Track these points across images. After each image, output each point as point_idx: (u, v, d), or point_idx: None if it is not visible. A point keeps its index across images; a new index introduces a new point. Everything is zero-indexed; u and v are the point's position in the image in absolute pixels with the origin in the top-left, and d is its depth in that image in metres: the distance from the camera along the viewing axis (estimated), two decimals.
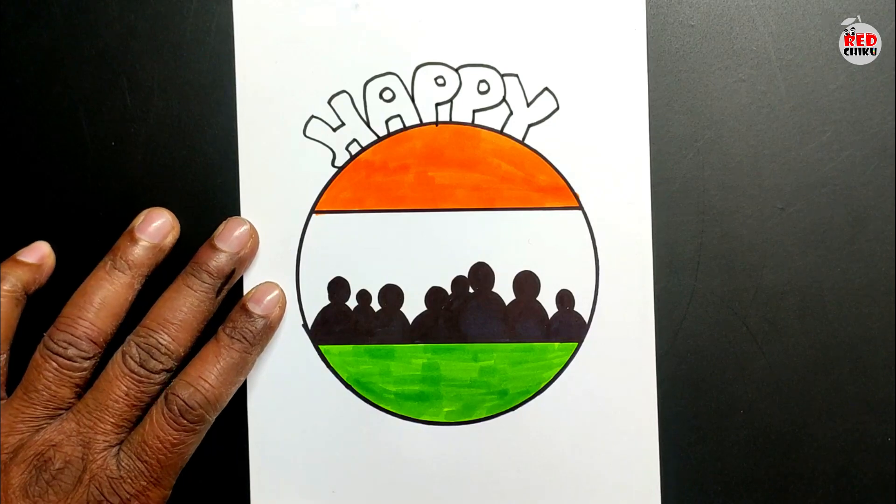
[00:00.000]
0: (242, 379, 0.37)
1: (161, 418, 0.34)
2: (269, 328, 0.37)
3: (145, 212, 0.37)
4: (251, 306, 0.36)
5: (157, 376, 0.35)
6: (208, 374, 0.35)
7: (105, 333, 0.35)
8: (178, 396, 0.35)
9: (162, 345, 0.35)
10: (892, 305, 0.38)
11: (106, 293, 0.35)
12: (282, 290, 0.38)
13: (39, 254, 0.37)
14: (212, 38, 0.38)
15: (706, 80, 0.38)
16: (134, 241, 0.36)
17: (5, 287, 0.36)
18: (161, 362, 0.35)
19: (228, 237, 0.36)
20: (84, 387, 0.36)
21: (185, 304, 0.35)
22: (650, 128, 0.38)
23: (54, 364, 0.35)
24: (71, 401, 0.35)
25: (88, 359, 0.35)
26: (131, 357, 0.35)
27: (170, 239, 0.37)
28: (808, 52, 0.38)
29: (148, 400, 0.35)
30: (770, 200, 0.38)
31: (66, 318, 0.35)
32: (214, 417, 0.36)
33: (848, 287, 0.38)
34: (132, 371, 0.35)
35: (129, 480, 0.34)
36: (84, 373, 0.35)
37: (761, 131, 0.38)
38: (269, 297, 0.37)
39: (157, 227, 0.37)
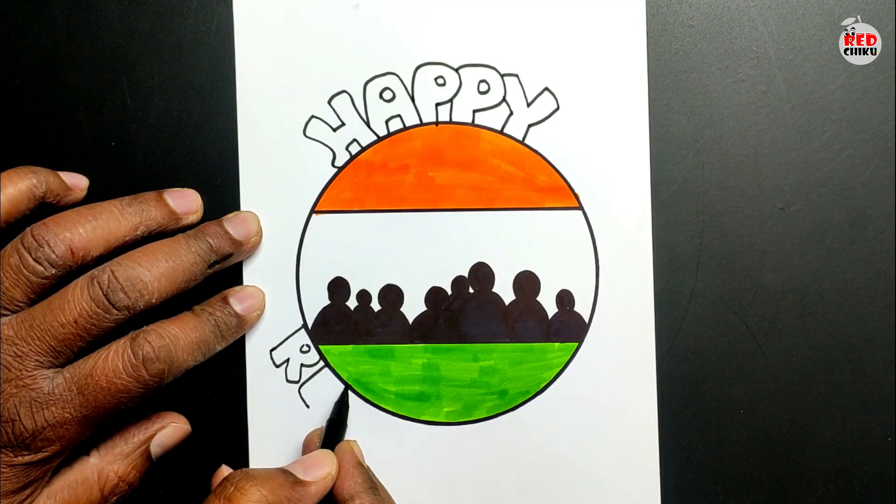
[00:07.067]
0: (200, 361, 0.35)
1: (118, 359, 0.32)
2: (240, 327, 0.36)
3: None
4: (231, 300, 0.36)
5: (116, 313, 0.32)
6: (184, 337, 0.33)
7: (87, 252, 0.33)
8: (149, 343, 0.32)
9: (142, 280, 0.33)
10: (892, 305, 0.38)
11: (110, 224, 0.34)
12: (265, 300, 0.37)
13: (76, 180, 0.36)
14: (212, 38, 0.38)
15: (706, 80, 0.38)
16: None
17: (31, 180, 0.34)
18: (130, 298, 0.32)
19: (237, 224, 0.36)
20: (40, 297, 0.33)
21: (179, 257, 0.34)
22: (650, 128, 0.38)
23: (16, 259, 0.32)
24: (20, 304, 0.33)
25: (55, 267, 0.32)
26: (99, 283, 0.32)
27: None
28: (808, 52, 0.38)
29: (94, 337, 0.32)
30: (770, 200, 0.38)
31: (59, 218, 0.33)
32: (165, 384, 0.33)
33: (848, 287, 0.38)
34: (94, 298, 0.32)
35: (56, 408, 0.32)
36: (45, 282, 0.33)
37: (761, 131, 0.38)
38: (251, 301, 0.37)
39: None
